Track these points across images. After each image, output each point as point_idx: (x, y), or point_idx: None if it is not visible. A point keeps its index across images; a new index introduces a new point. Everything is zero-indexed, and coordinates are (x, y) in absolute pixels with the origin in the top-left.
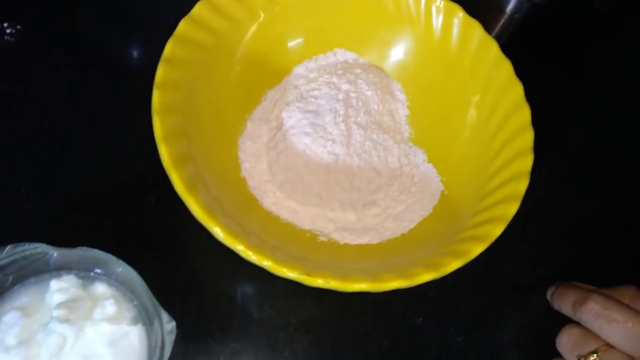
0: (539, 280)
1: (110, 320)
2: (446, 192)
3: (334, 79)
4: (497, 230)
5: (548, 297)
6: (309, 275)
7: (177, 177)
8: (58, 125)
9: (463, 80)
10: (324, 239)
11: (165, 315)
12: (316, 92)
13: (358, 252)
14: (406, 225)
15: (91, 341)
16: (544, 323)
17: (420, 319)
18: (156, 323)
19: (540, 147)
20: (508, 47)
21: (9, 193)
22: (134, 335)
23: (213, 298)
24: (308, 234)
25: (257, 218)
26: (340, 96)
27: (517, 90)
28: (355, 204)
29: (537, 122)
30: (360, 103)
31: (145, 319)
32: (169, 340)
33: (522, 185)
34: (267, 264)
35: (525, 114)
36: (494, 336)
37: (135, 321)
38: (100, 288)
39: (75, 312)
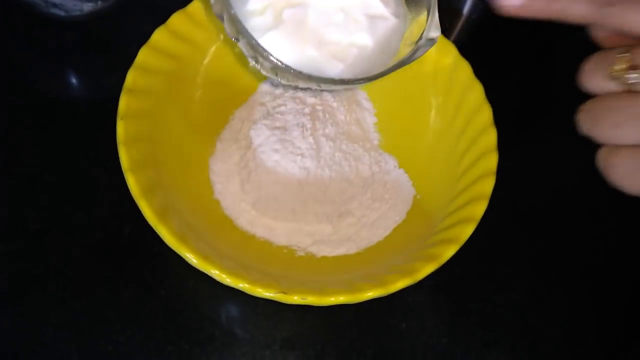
0: (519, 277)
1: None
2: (418, 196)
3: (299, 94)
4: (468, 230)
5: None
6: (285, 293)
7: (146, 207)
8: (26, 163)
9: (425, 85)
10: (301, 253)
11: (434, 24)
12: (282, 108)
13: (336, 264)
14: (381, 232)
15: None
16: (528, 318)
17: (404, 325)
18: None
19: (506, 145)
20: (467, 48)
21: None
22: (390, 24)
23: (194, 323)
24: (285, 250)
25: (233, 239)
26: (307, 110)
27: (477, 90)
28: (330, 215)
29: (502, 119)
30: (327, 115)
31: (405, 24)
32: (424, 49)
33: (489, 184)
34: (242, 285)
35: (486, 113)
36: (477, 335)
37: (397, 16)
38: None
39: None
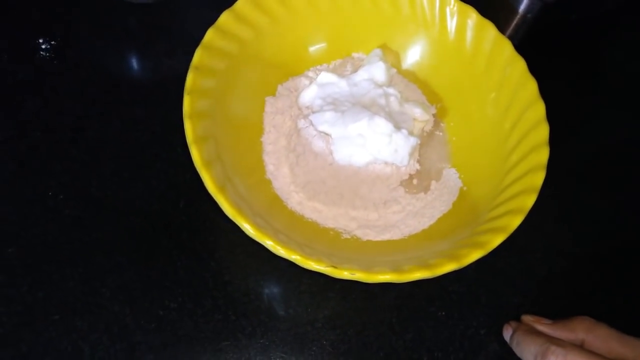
0: (560, 273)
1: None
2: (465, 188)
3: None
4: (516, 221)
5: (506, 339)
6: (335, 267)
7: (208, 177)
8: (91, 135)
9: (479, 79)
10: (347, 236)
11: None
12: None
13: (381, 247)
14: (426, 221)
15: None
16: (567, 315)
17: (443, 313)
18: None
19: (555, 143)
20: (521, 46)
21: (48, 200)
22: None
23: (242, 295)
24: (332, 232)
25: (283, 217)
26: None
27: (531, 86)
28: (377, 202)
29: (552, 118)
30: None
31: None
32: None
33: (539, 178)
34: (295, 257)
35: (540, 109)
36: None
37: None
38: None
39: None
